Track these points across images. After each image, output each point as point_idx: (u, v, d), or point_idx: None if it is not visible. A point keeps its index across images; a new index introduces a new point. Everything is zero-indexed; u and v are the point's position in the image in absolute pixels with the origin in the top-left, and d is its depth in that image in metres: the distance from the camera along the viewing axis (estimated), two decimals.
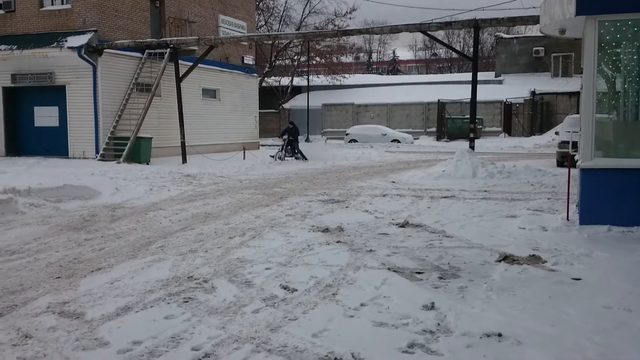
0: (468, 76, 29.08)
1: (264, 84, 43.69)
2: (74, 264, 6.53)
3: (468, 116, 27.68)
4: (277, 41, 39.02)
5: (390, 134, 36.02)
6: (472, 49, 21.42)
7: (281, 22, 47.36)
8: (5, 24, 22.41)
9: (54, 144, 21.98)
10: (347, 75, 48.69)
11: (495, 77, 45.03)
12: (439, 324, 4.47)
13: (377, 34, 24.02)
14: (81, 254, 6.98)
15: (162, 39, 22.21)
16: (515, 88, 40.88)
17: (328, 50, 46.67)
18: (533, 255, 6.55)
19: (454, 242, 7.41)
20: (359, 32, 22.75)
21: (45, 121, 22.40)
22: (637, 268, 6.05)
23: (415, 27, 18.79)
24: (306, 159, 21.96)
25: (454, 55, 66.39)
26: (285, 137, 22.04)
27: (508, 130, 39.53)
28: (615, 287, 5.38)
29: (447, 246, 7.17)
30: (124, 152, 20.13)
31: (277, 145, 26.03)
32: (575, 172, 8.52)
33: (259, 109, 32.38)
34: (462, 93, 36.35)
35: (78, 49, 20.56)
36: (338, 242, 7.46)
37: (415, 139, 37.19)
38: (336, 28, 39.49)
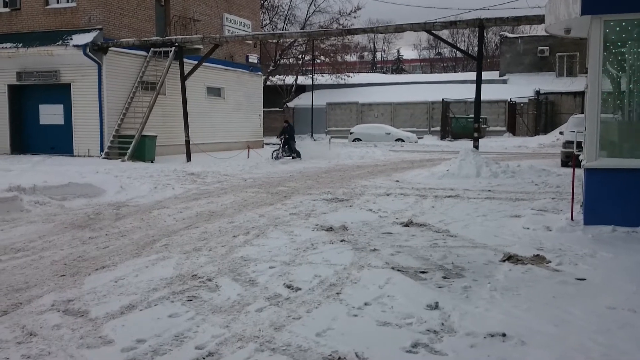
0: (472, 75, 29.01)
1: (268, 83, 43.71)
2: (78, 262, 6.55)
3: (472, 115, 27.61)
4: (281, 40, 39.01)
5: (394, 133, 35.98)
6: (476, 49, 21.39)
7: (286, 21, 47.42)
8: (11, 21, 22.49)
9: (58, 142, 22.06)
10: (351, 74, 48.64)
11: (500, 76, 44.91)
12: (442, 324, 4.46)
13: (381, 33, 23.99)
14: (86, 252, 7.00)
15: (167, 38, 22.25)
16: (519, 87, 40.77)
17: (332, 49, 46.65)
18: (537, 255, 6.53)
19: (458, 242, 7.40)
20: (363, 31, 22.75)
21: (50, 119, 22.49)
22: None
23: (420, 27, 18.77)
24: (300, 157, 21.83)
25: (459, 54, 66.26)
26: (282, 136, 21.92)
27: (512, 129, 39.43)
28: (620, 288, 5.37)
29: (451, 246, 7.16)
30: (129, 151, 20.18)
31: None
32: (579, 172, 8.50)
33: (263, 107, 32.43)
34: (467, 92, 36.29)
35: (83, 47, 20.62)
36: (342, 241, 7.46)
37: (419, 138, 37.14)
38: (341, 27, 39.44)
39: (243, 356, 3.95)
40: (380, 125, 37.99)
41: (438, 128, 40.57)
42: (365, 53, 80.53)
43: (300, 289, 5.40)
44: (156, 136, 21.12)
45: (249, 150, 22.92)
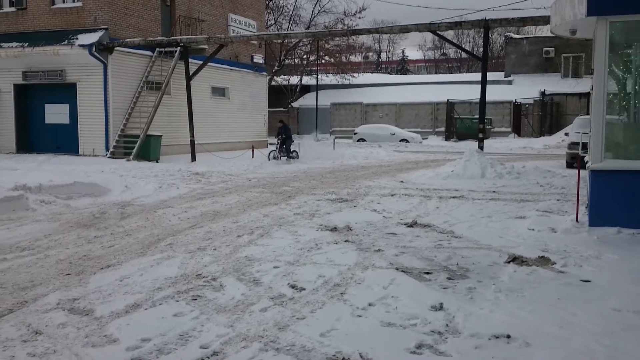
0: (477, 76, 28.96)
1: (273, 83, 43.73)
2: (83, 261, 6.57)
3: (477, 116, 27.57)
4: (286, 40, 39.00)
5: (398, 134, 35.94)
6: (481, 49, 21.36)
7: (291, 21, 47.40)
8: (17, 21, 22.57)
9: (64, 141, 22.13)
10: (356, 75, 48.61)
11: (505, 77, 44.82)
12: (447, 325, 4.46)
13: (386, 33, 23.98)
14: (91, 251, 7.03)
15: (172, 38, 22.31)
16: (524, 88, 40.69)
17: (337, 50, 46.65)
18: (542, 256, 6.52)
19: (463, 243, 7.39)
20: (368, 31, 22.72)
21: (56, 118, 22.57)
22: None
23: (425, 27, 18.76)
24: (297, 157, 21.55)
25: (464, 55, 66.19)
26: (279, 137, 21.64)
27: (517, 130, 39.34)
28: (625, 290, 5.35)
29: (456, 247, 7.16)
30: (134, 150, 20.24)
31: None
32: (585, 173, 8.48)
33: (268, 107, 32.44)
34: (471, 93, 36.22)
35: (89, 46, 20.68)
36: (346, 241, 7.46)
37: (423, 138, 37.09)
38: (345, 27, 39.45)
39: (247, 356, 3.96)
40: (384, 125, 37.96)
41: (443, 129, 40.52)
42: (370, 53, 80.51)
43: (304, 289, 5.40)
44: (161, 136, 21.18)
45: (253, 150, 22.94)
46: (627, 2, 7.38)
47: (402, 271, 5.97)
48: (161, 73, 22.32)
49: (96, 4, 21.38)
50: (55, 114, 22.58)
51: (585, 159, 8.22)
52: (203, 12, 25.91)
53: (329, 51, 45.90)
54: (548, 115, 39.33)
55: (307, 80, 47.48)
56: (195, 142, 21.35)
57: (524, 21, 17.82)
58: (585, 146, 8.66)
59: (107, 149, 21.29)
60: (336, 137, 36.17)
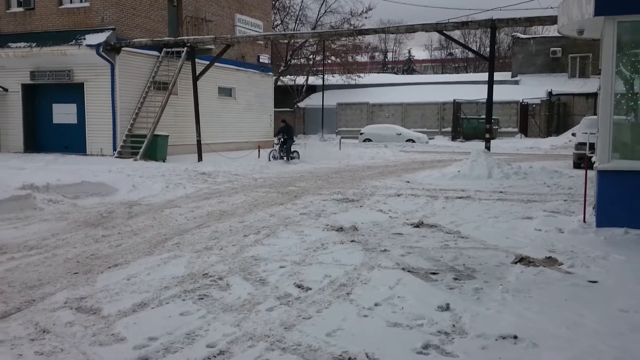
0: (484, 76, 28.90)
1: (279, 83, 43.77)
2: (91, 260, 6.60)
3: (484, 116, 27.52)
4: (292, 40, 39.05)
5: (405, 134, 35.88)
6: (488, 49, 21.30)
7: (297, 22, 47.42)
8: (25, 21, 22.69)
9: (72, 141, 22.23)
10: (362, 75, 48.58)
11: (512, 77, 44.68)
12: (454, 325, 4.46)
13: (393, 33, 23.95)
14: (98, 250, 7.06)
15: (179, 38, 22.37)
16: (531, 88, 40.54)
17: (343, 50, 46.62)
18: (549, 257, 6.50)
19: (469, 243, 7.38)
20: (374, 31, 22.72)
21: (64, 118, 22.67)
22: None
23: (432, 27, 18.72)
24: (298, 157, 21.33)
25: (470, 55, 65.98)
26: (280, 136, 21.49)
27: (524, 131, 39.21)
28: (632, 290, 5.33)
29: (462, 247, 7.14)
30: (141, 150, 20.31)
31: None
32: (592, 173, 8.44)
33: (274, 107, 32.47)
34: (478, 93, 36.12)
35: (96, 46, 20.76)
36: (352, 241, 7.46)
37: (430, 138, 37.02)
38: (352, 27, 39.43)
39: (253, 355, 3.97)
40: (390, 125, 37.91)
41: (449, 129, 40.42)
42: (377, 53, 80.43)
43: (310, 288, 5.41)
44: (168, 136, 21.24)
45: (259, 150, 22.97)
46: (635, 2, 7.34)
47: (409, 271, 5.97)
48: (168, 73, 22.39)
49: (103, 4, 21.47)
50: (63, 113, 22.68)
51: (593, 159, 8.19)
52: (210, 13, 25.97)
53: (335, 51, 45.89)
54: (555, 116, 39.18)
55: (313, 80, 47.49)
56: (202, 142, 21.41)
57: (531, 21, 17.76)
58: (592, 147, 8.62)
59: (114, 149, 21.37)
60: (342, 137, 36.16)
